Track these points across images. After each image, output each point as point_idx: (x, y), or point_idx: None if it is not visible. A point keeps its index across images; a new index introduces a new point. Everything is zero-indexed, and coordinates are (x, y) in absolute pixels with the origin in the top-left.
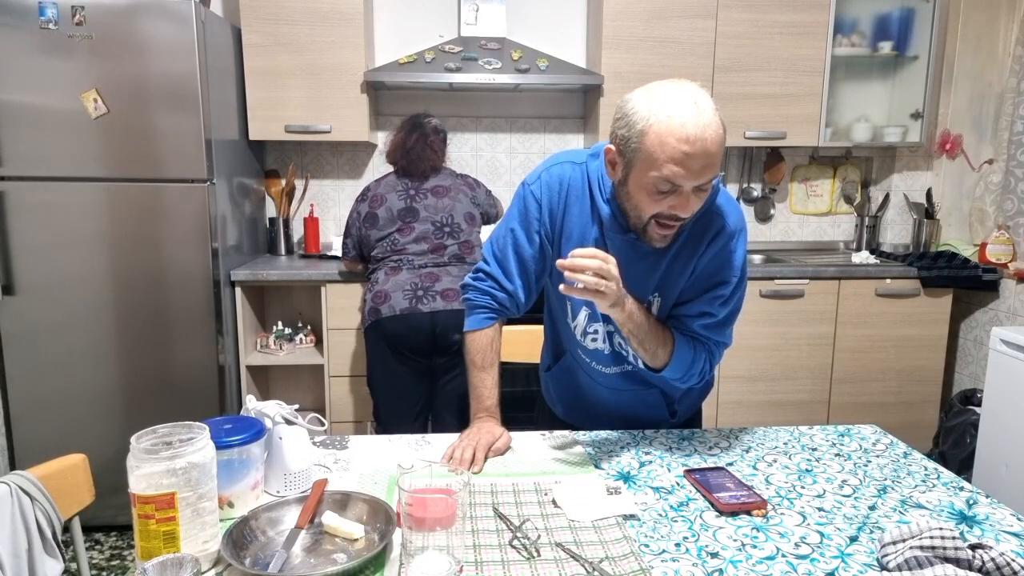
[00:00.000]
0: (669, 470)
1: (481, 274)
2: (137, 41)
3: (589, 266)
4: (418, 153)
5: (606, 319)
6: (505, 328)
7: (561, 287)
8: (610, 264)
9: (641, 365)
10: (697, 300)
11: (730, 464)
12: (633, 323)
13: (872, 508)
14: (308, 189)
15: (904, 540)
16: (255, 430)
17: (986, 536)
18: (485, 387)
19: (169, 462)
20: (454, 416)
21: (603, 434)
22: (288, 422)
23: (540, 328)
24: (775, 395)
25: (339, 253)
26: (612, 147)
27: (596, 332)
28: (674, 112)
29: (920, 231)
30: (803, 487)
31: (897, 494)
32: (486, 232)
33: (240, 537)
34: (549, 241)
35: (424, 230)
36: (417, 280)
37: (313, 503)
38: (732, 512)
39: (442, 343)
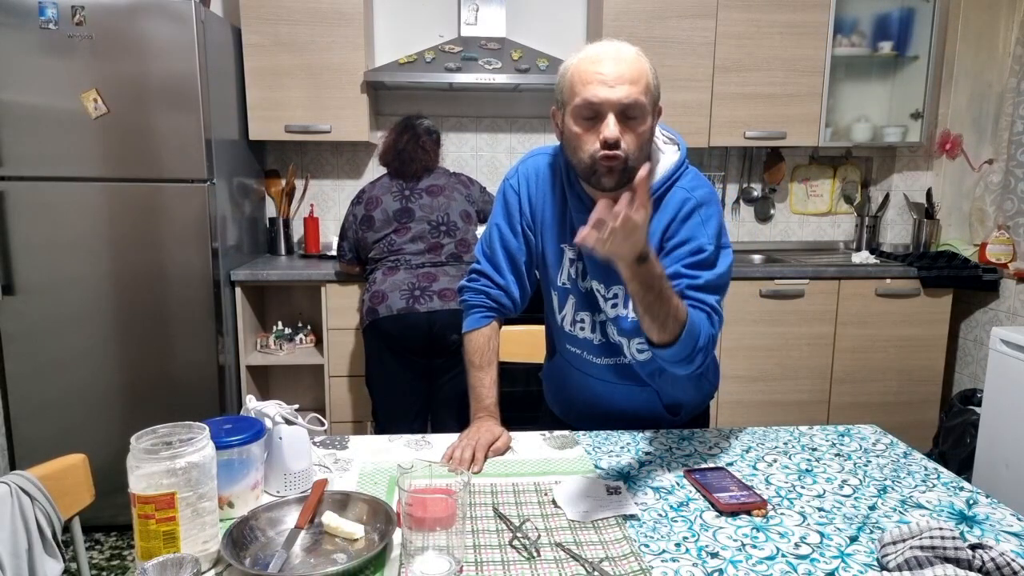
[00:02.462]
0: (669, 470)
1: (474, 274)
2: (137, 41)
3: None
4: (410, 154)
5: (595, 309)
6: (505, 328)
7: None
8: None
9: (637, 357)
10: (675, 265)
11: (730, 464)
12: (653, 278)
13: (872, 508)
14: (308, 189)
15: (904, 540)
16: (255, 430)
17: (986, 536)
18: (484, 386)
19: (169, 462)
20: (453, 417)
21: (603, 434)
22: (288, 422)
23: (540, 328)
24: (775, 395)
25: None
26: (553, 107)
27: (583, 321)
28: (590, 49)
29: (920, 231)
30: (803, 487)
31: (897, 494)
32: (482, 231)
33: (240, 537)
34: (531, 231)
35: (421, 229)
36: (414, 280)
37: (313, 503)
38: (732, 512)
39: (440, 343)
